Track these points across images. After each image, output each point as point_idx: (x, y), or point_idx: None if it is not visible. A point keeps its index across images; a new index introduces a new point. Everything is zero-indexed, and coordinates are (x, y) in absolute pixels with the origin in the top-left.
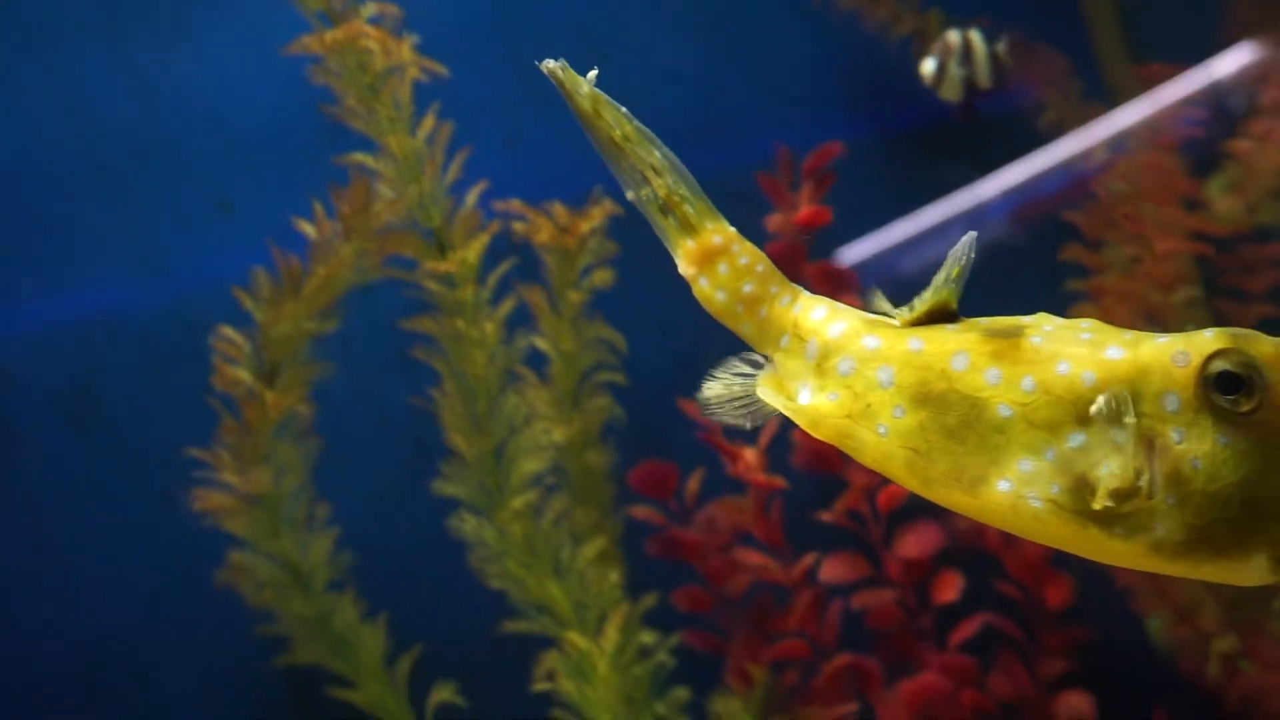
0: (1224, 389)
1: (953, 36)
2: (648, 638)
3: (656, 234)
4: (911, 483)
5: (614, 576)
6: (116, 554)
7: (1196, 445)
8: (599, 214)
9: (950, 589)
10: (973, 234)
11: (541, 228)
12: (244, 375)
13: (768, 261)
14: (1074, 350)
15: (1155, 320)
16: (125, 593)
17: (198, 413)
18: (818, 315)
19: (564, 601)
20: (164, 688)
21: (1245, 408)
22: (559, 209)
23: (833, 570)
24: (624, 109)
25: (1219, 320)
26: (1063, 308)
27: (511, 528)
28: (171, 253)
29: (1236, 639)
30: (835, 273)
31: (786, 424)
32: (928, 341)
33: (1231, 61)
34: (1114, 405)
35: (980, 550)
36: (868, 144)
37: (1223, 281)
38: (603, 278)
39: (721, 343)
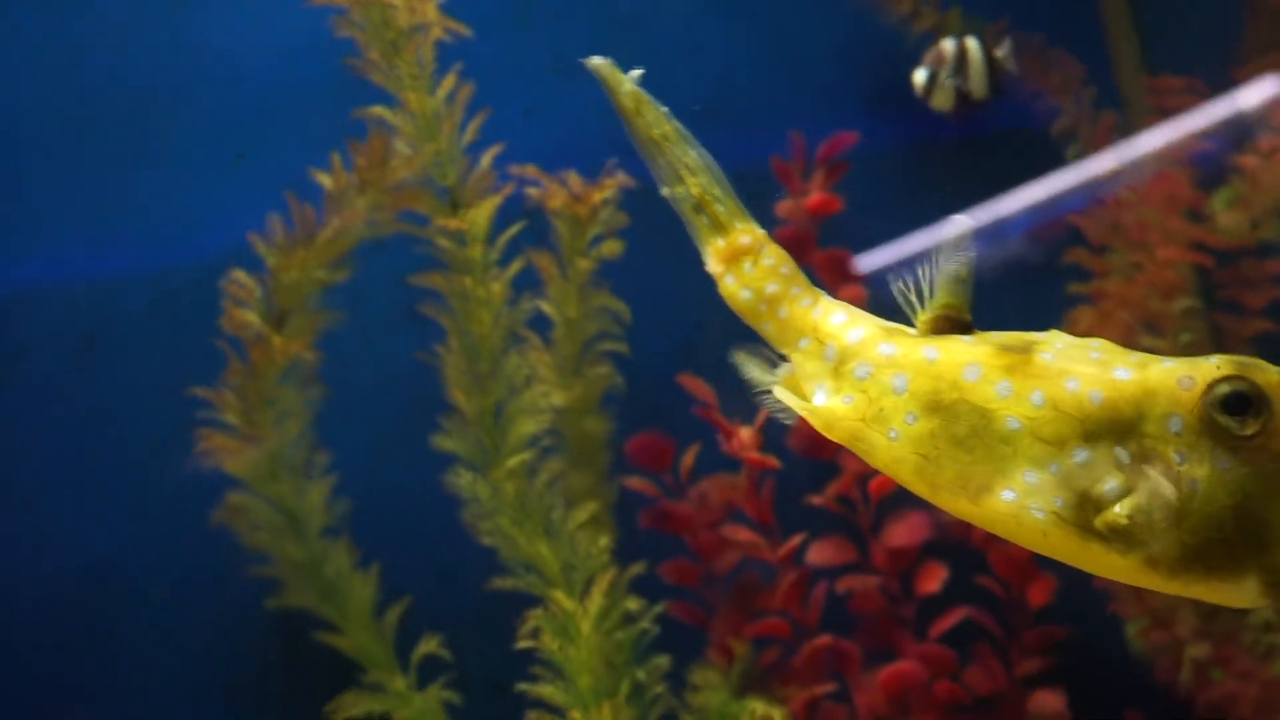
0: (1231, 409)
1: (947, 45)
2: (633, 604)
3: (688, 231)
4: (919, 487)
5: (603, 541)
6: (117, 493)
7: (1196, 467)
8: (612, 185)
9: (934, 580)
10: (966, 223)
11: (555, 194)
12: (253, 318)
13: (793, 264)
14: (1083, 369)
15: (1153, 329)
16: (120, 529)
17: (205, 358)
18: (838, 320)
19: (552, 562)
20: (153, 621)
21: (1249, 430)
22: (573, 177)
23: (820, 553)
24: (665, 108)
25: (1216, 332)
26: (1062, 309)
27: (505, 486)
28: (187, 200)
29: (1210, 647)
30: (841, 260)
31: None
32: (942, 351)
33: (1247, 78)
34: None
35: (965, 545)
36: (880, 140)
37: (1222, 295)
38: (612, 248)
39: (724, 325)
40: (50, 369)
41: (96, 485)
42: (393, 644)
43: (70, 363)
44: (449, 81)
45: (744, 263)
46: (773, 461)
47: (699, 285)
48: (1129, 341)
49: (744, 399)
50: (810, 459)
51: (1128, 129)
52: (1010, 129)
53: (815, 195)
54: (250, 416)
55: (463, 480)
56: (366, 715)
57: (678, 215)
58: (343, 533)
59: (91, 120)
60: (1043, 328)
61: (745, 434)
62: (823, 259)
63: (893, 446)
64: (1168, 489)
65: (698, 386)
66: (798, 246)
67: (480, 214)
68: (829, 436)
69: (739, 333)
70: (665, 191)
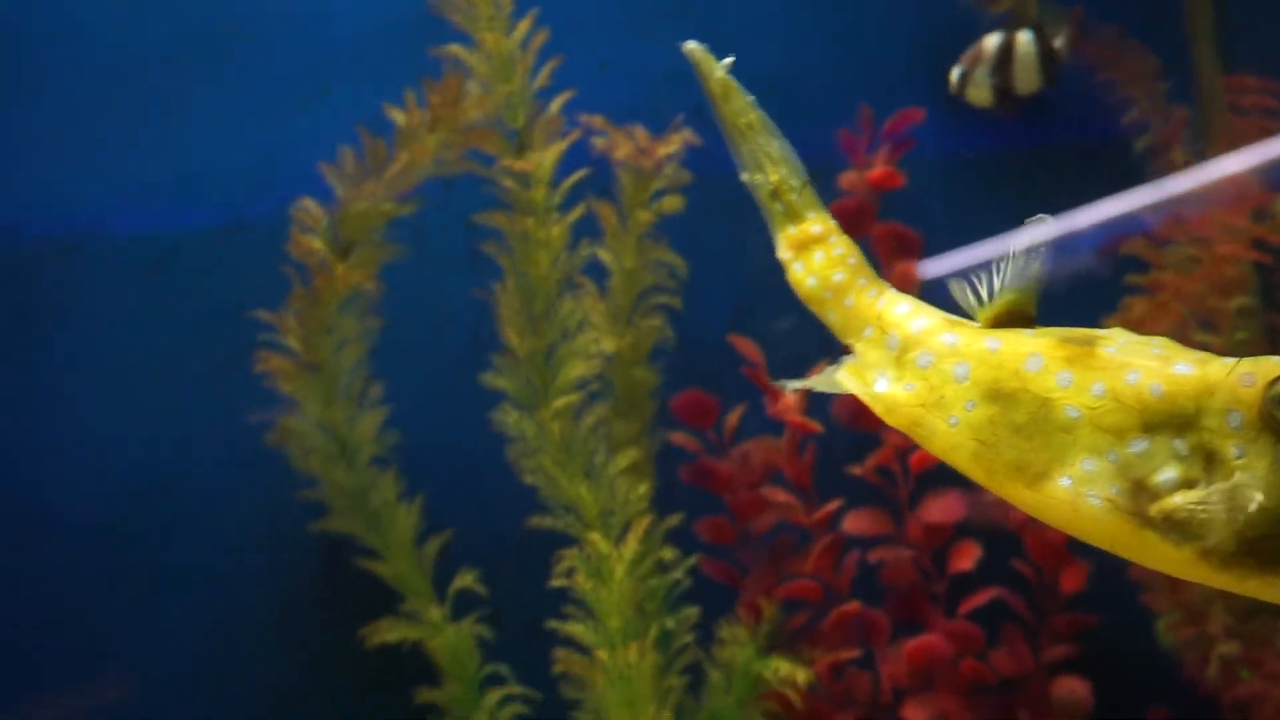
0: None
1: (989, 42)
2: (667, 554)
3: (763, 216)
4: (976, 473)
5: (643, 489)
6: (171, 418)
7: (1255, 461)
8: (678, 140)
9: (967, 558)
10: (1047, 223)
11: (620, 144)
12: (319, 245)
13: (860, 255)
14: (1145, 362)
15: (1208, 324)
16: (171, 453)
17: (270, 286)
18: (901, 310)
19: (592, 504)
20: (202, 541)
21: None
22: (639, 131)
23: (856, 523)
24: (751, 97)
25: (1272, 332)
26: (1118, 297)
27: (551, 426)
28: (267, 134)
29: (1240, 646)
30: (901, 234)
31: None
32: (1004, 342)
33: None
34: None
35: (1001, 528)
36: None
37: None
38: (673, 203)
39: (778, 294)
40: (115, 296)
41: (149, 409)
42: (431, 575)
43: (135, 290)
44: (524, 24)
45: (814, 251)
46: (814, 425)
47: (757, 251)
48: (1181, 336)
49: (791, 366)
50: (852, 429)
51: (1200, 125)
52: (1082, 136)
53: (879, 168)
54: (310, 341)
55: (510, 417)
56: (400, 641)
57: (747, 191)
58: (391, 463)
59: (178, 56)
60: (1096, 315)
61: (790, 397)
62: (882, 232)
63: (952, 433)
64: (1253, 494)
65: (747, 347)
66: (857, 218)
67: (546, 157)
68: (889, 422)
69: (791, 303)
70: (744, 177)
